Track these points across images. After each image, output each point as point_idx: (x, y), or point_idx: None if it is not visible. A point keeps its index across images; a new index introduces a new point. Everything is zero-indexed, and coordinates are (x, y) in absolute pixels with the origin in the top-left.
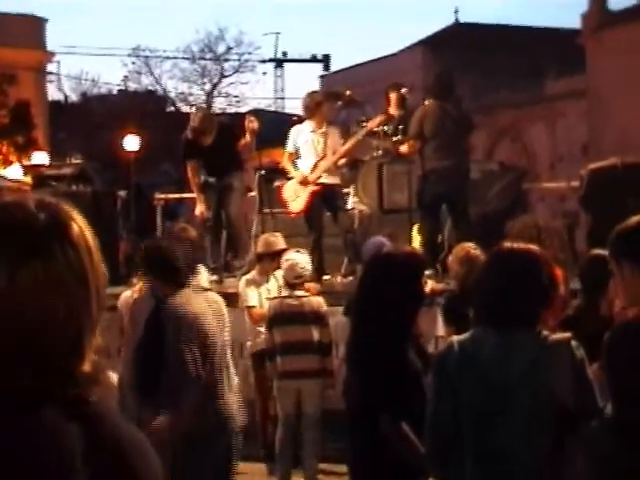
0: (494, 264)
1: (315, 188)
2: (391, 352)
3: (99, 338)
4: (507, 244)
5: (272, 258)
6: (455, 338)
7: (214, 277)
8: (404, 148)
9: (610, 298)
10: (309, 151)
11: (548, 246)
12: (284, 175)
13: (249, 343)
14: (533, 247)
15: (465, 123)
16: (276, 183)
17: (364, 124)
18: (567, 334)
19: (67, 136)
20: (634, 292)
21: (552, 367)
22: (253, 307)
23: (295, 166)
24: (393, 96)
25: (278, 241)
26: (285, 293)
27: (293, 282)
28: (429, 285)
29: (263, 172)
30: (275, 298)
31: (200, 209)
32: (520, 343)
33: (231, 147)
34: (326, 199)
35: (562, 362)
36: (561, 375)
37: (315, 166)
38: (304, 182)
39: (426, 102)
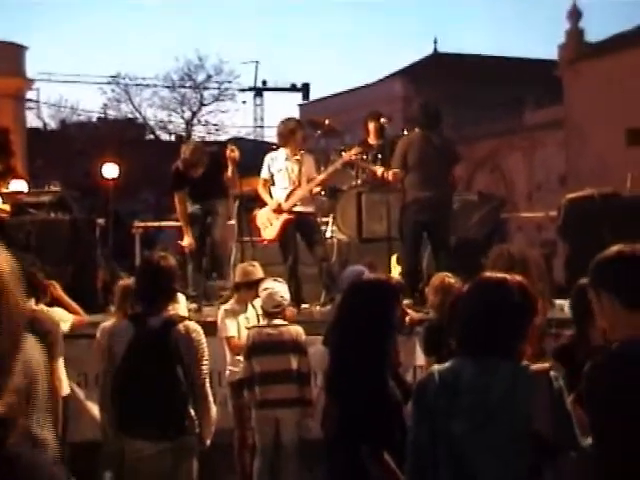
0: (472, 294)
1: (289, 216)
2: (370, 381)
3: (17, 379)
4: (486, 274)
5: (250, 287)
6: (435, 367)
7: (193, 305)
8: (389, 175)
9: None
10: (283, 179)
11: (523, 275)
12: (264, 203)
13: (227, 372)
14: (511, 277)
15: (449, 154)
16: (255, 211)
17: (343, 153)
18: (546, 364)
19: (46, 163)
20: (613, 322)
21: (529, 396)
22: (232, 337)
23: (270, 193)
24: (372, 125)
25: (256, 270)
26: (263, 322)
27: (272, 311)
28: (408, 314)
29: (242, 200)
30: (254, 327)
31: (188, 240)
32: (498, 372)
33: (218, 176)
34: (300, 227)
35: (540, 391)
36: (539, 404)
37: (289, 194)
38: (278, 210)
39: (406, 132)
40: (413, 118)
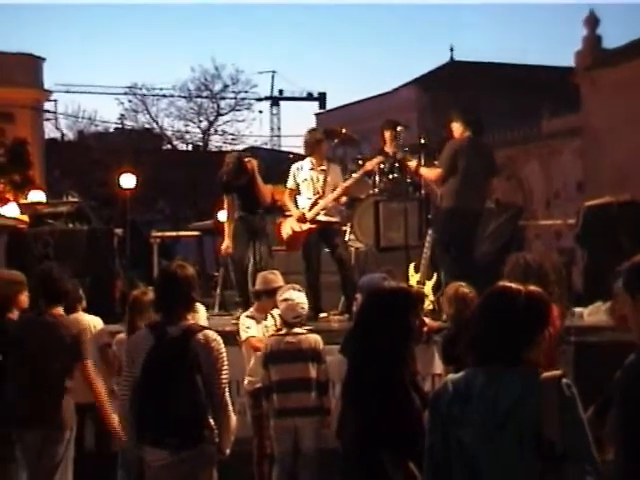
0: (483, 304)
1: (312, 226)
2: (392, 389)
3: None
4: (499, 284)
5: (270, 295)
6: (449, 377)
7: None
8: (427, 172)
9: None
10: (308, 188)
11: (539, 283)
12: (281, 212)
13: (246, 381)
14: (520, 286)
15: (493, 165)
16: (278, 220)
17: (361, 162)
18: (557, 372)
19: (63, 174)
20: None
21: (539, 404)
22: (252, 337)
23: (295, 203)
24: (388, 134)
25: (276, 278)
26: (283, 331)
27: (292, 322)
28: (426, 323)
29: (260, 210)
30: (272, 335)
31: (227, 243)
32: (507, 381)
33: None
34: (324, 237)
35: (549, 399)
36: (548, 412)
37: (313, 204)
38: (302, 220)
39: (461, 135)
40: (466, 120)
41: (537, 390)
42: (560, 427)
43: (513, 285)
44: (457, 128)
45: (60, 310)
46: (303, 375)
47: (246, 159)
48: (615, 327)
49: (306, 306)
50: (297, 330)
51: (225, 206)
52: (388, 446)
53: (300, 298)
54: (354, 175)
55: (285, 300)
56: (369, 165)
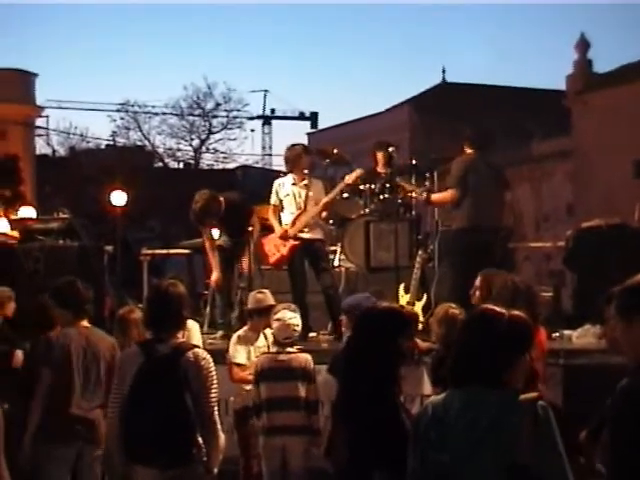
0: (464, 326)
1: (295, 242)
2: (384, 409)
3: None
4: (482, 306)
5: (261, 314)
6: (431, 399)
7: (219, 333)
8: (441, 197)
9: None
10: (290, 204)
11: (528, 305)
12: (273, 231)
13: (232, 399)
14: (501, 309)
15: (503, 178)
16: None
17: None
18: (534, 394)
19: (54, 190)
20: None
21: (515, 427)
22: (238, 365)
23: (279, 219)
24: (380, 154)
25: (267, 297)
26: (274, 349)
27: (283, 342)
28: (417, 344)
29: (250, 228)
30: (264, 353)
31: (216, 275)
32: (483, 403)
33: (237, 221)
34: (308, 254)
35: (525, 422)
36: (523, 435)
37: (295, 220)
38: (284, 236)
39: (467, 151)
40: (468, 137)
41: (514, 412)
42: (535, 450)
43: (496, 308)
44: (463, 150)
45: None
46: (293, 394)
47: (219, 197)
48: (607, 350)
49: (299, 327)
50: (288, 349)
51: (204, 238)
52: (380, 467)
53: (293, 319)
54: (334, 190)
55: (278, 320)
56: (348, 179)
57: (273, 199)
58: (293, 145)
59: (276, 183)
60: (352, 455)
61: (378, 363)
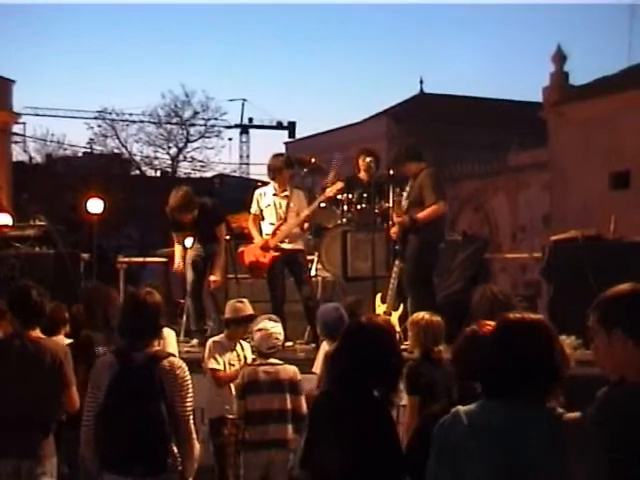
0: (504, 337)
1: (276, 253)
2: (382, 425)
3: None
4: (514, 316)
5: (239, 324)
6: (461, 408)
7: (194, 341)
8: (428, 213)
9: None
10: (271, 214)
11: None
12: (250, 240)
13: (206, 409)
14: (539, 319)
15: None
16: (241, 248)
17: (326, 189)
18: (577, 413)
19: (31, 197)
20: (624, 362)
21: (562, 446)
22: (217, 370)
23: (259, 229)
24: (362, 162)
25: (245, 307)
26: (258, 361)
27: (266, 352)
28: None
29: (228, 237)
30: (248, 365)
31: (178, 262)
32: (532, 421)
33: (209, 226)
34: (288, 265)
35: (575, 445)
36: (574, 456)
37: (276, 230)
38: (265, 247)
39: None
40: (421, 154)
41: (563, 431)
42: (580, 471)
43: (535, 317)
44: (416, 166)
45: (38, 332)
46: (281, 406)
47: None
48: (583, 361)
49: (281, 336)
50: (273, 360)
51: (175, 241)
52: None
53: (275, 328)
54: (315, 202)
55: (260, 330)
56: (330, 192)
57: (254, 208)
58: (277, 155)
59: (257, 192)
60: (344, 468)
61: (374, 375)
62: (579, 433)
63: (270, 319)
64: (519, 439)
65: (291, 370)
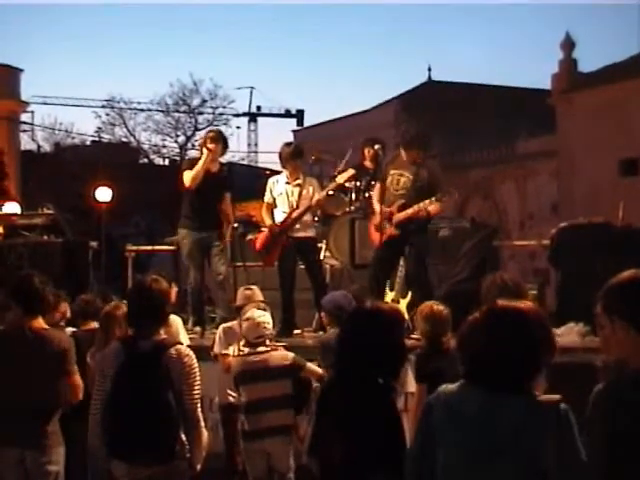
0: (486, 323)
1: (287, 241)
2: (384, 411)
3: None
4: (501, 303)
5: None
6: (443, 388)
7: (197, 328)
8: (442, 205)
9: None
10: (284, 202)
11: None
12: (257, 228)
13: (217, 397)
14: (529, 307)
15: None
16: (249, 236)
17: (336, 177)
18: (556, 396)
19: (39, 186)
20: (628, 351)
21: (540, 432)
22: (226, 354)
23: (272, 217)
24: (368, 151)
25: (253, 294)
26: (245, 351)
27: (254, 342)
28: None
29: (236, 225)
30: (237, 356)
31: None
32: (508, 407)
33: (216, 203)
34: (300, 252)
35: (548, 427)
36: (547, 441)
37: (287, 219)
38: (276, 234)
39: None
40: (429, 144)
41: (538, 415)
42: (558, 455)
43: (523, 305)
44: (422, 154)
45: (40, 321)
46: (273, 394)
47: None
48: (591, 348)
49: (270, 325)
50: (262, 349)
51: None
52: (377, 469)
53: (263, 317)
54: (326, 188)
55: (247, 319)
56: (340, 179)
57: (267, 197)
58: (288, 143)
59: (270, 181)
60: (349, 457)
61: (380, 363)
62: (554, 414)
63: (258, 307)
64: (489, 425)
65: (279, 356)
